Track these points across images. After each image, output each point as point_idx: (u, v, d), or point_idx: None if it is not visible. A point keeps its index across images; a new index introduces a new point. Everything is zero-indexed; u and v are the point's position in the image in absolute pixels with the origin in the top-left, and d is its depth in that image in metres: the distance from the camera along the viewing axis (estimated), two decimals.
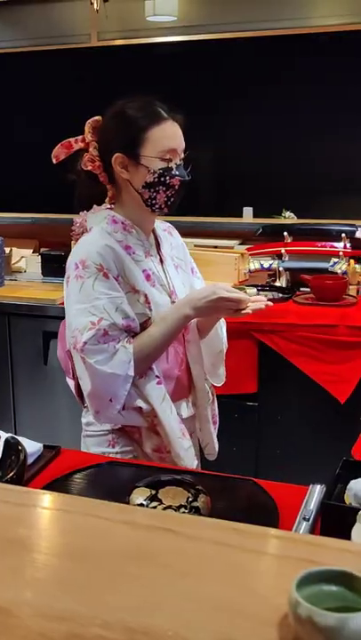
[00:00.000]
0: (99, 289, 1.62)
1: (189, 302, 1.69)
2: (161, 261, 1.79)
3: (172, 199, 1.69)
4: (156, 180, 1.66)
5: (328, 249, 3.15)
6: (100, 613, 0.68)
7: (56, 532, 0.89)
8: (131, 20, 3.58)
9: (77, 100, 3.80)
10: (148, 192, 1.67)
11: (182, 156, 1.70)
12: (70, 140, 1.75)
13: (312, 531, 1.29)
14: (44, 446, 1.60)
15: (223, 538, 0.81)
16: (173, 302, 1.74)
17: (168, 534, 0.82)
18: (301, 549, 0.77)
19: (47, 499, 0.97)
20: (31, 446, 1.54)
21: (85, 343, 1.59)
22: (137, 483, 1.32)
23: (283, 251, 3.18)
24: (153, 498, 1.25)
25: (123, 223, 1.71)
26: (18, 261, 3.74)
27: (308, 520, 1.32)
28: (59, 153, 1.75)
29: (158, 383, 1.70)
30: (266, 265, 3.16)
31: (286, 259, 3.16)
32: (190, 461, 1.74)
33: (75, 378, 1.81)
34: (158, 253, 1.79)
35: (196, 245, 3.51)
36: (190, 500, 1.26)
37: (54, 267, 3.44)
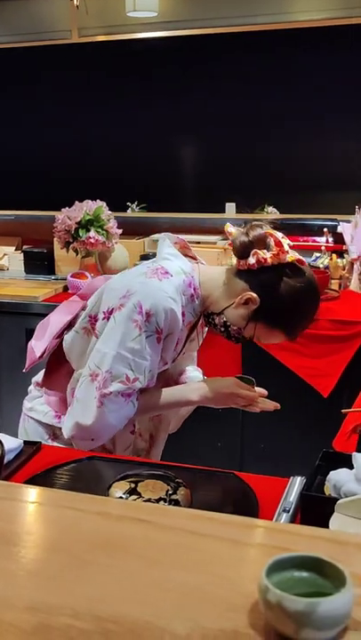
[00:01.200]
0: (148, 349, 1.58)
1: (203, 392, 1.68)
2: (188, 335, 1.75)
3: (231, 339, 1.67)
4: (231, 333, 1.64)
5: (310, 244, 3.16)
6: (71, 603, 0.68)
7: (29, 524, 0.88)
8: (111, 15, 3.57)
9: (59, 96, 3.79)
10: (219, 323, 1.64)
11: None
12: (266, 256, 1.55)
13: (292, 522, 1.29)
14: (25, 442, 1.59)
15: (196, 527, 0.80)
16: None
17: (141, 524, 0.82)
18: (274, 537, 0.77)
19: (21, 492, 0.96)
20: (11, 442, 1.53)
21: (111, 393, 1.56)
22: (116, 476, 1.31)
23: None
24: (132, 491, 1.25)
25: (194, 291, 1.64)
26: (0, 259, 3.72)
27: (289, 511, 1.32)
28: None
29: (132, 433, 1.73)
30: None
31: None
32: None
33: (40, 357, 1.77)
34: (194, 327, 1.75)
35: None
36: (170, 492, 1.26)
37: (37, 264, 3.42)
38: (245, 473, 1.51)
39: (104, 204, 3.28)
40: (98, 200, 3.29)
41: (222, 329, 1.65)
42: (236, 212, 3.64)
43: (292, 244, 1.57)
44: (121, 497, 1.24)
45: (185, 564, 0.73)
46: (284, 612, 0.58)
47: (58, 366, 1.78)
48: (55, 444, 1.74)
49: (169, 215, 3.74)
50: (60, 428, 1.70)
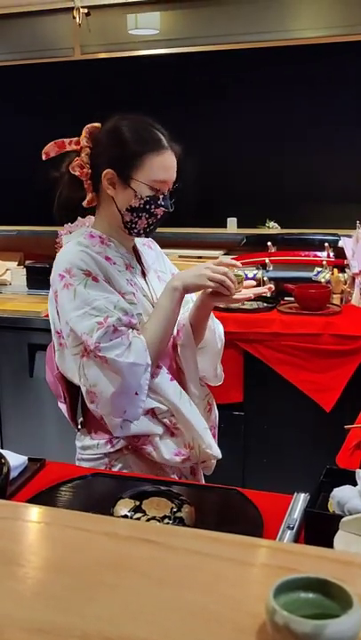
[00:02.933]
0: (92, 292, 1.60)
1: (177, 276, 1.71)
2: (143, 274, 1.79)
3: (151, 226, 1.71)
4: (141, 206, 1.66)
5: (312, 258, 3.18)
6: (79, 624, 0.68)
7: (36, 544, 0.88)
8: (113, 33, 3.60)
9: (61, 113, 3.82)
10: (130, 215, 1.67)
11: (171, 187, 1.69)
12: (65, 140, 1.73)
13: (296, 539, 1.29)
14: (29, 459, 1.59)
15: (202, 547, 0.81)
16: None
17: (148, 545, 0.83)
18: (280, 557, 0.77)
19: (27, 511, 0.96)
20: (15, 459, 1.53)
21: (99, 343, 1.57)
22: (121, 494, 1.32)
23: (267, 260, 3.19)
24: (137, 509, 1.25)
25: (100, 237, 1.71)
26: (3, 274, 3.74)
27: (293, 528, 1.32)
28: (50, 150, 1.73)
29: (171, 380, 1.70)
30: (250, 275, 3.17)
31: (270, 268, 3.18)
32: (217, 450, 1.75)
33: (67, 401, 1.79)
34: (140, 265, 1.79)
35: (180, 256, 3.53)
36: (174, 510, 1.26)
37: (39, 279, 3.44)
38: (248, 489, 1.51)
39: None
40: None
41: (137, 215, 1.67)
42: (238, 228, 3.66)
43: None
44: (126, 515, 1.24)
45: (192, 585, 0.74)
46: (291, 634, 0.59)
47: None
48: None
49: (171, 230, 3.75)
50: (114, 452, 1.70)
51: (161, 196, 1.67)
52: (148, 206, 1.66)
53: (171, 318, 1.69)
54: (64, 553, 0.85)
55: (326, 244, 3.16)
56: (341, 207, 3.55)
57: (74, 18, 3.49)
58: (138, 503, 1.27)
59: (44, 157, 1.74)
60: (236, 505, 1.43)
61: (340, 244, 3.10)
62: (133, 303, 1.68)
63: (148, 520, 1.22)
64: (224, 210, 3.73)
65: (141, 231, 1.70)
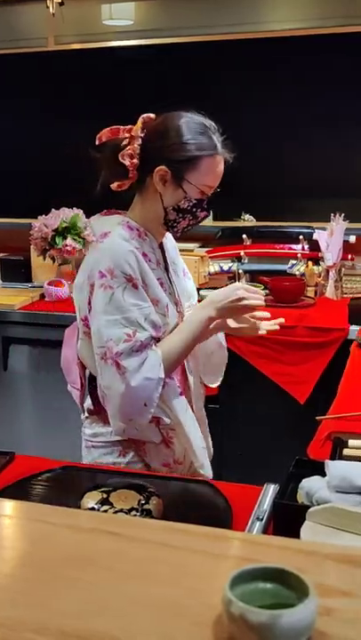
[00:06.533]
0: (129, 300, 1.59)
1: (211, 304, 1.70)
2: (166, 269, 1.78)
3: (190, 227, 1.72)
4: (189, 208, 1.66)
5: (286, 251, 3.18)
6: (38, 618, 0.67)
7: None
8: (87, 23, 3.57)
9: (36, 104, 3.78)
10: (175, 215, 1.68)
11: (214, 192, 1.70)
12: (120, 127, 1.68)
13: (265, 530, 1.30)
14: None
15: (166, 539, 0.80)
16: (179, 311, 1.76)
17: (111, 537, 0.82)
18: (244, 548, 0.77)
19: None
20: None
21: (121, 353, 1.58)
22: (88, 486, 1.31)
23: (242, 253, 3.19)
24: (104, 502, 1.25)
25: (138, 230, 1.69)
26: None
27: (262, 520, 1.33)
28: (103, 135, 1.70)
29: (180, 394, 1.72)
30: (225, 267, 3.18)
31: (245, 261, 3.18)
32: (210, 471, 1.78)
33: (82, 387, 1.78)
34: (164, 261, 1.78)
35: None
36: (142, 502, 1.26)
37: (14, 272, 3.40)
38: (220, 481, 1.52)
39: (81, 212, 3.27)
40: (75, 208, 3.29)
41: (182, 215, 1.67)
42: (214, 220, 3.65)
43: None
44: (93, 507, 1.24)
45: (154, 577, 0.73)
46: (246, 624, 0.59)
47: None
48: (127, 459, 1.73)
49: None
50: (127, 441, 1.71)
51: (205, 200, 1.68)
52: (194, 209, 1.67)
53: (194, 342, 1.71)
54: (26, 546, 0.84)
55: (301, 237, 3.17)
56: (316, 200, 3.56)
57: (47, 7, 3.44)
58: (105, 496, 1.26)
59: (97, 142, 1.72)
60: (205, 497, 1.43)
61: (315, 236, 3.11)
62: (164, 315, 1.68)
63: (115, 513, 1.21)
64: None
65: (180, 231, 1.72)
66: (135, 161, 1.66)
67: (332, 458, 1.54)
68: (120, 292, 1.58)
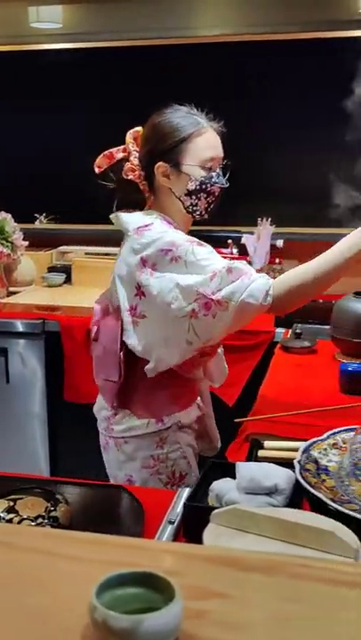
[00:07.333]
0: (201, 255, 1.64)
1: (347, 242, 1.66)
2: None
3: (211, 205, 1.77)
4: (198, 187, 1.72)
5: None
6: None
7: None
8: (14, 25, 3.52)
9: None
10: (190, 199, 1.73)
11: (222, 164, 1.76)
12: (112, 150, 1.79)
13: (177, 533, 1.30)
14: None
15: (49, 547, 0.79)
16: None
17: None
18: (121, 553, 0.77)
19: None
20: None
21: (219, 290, 1.60)
22: None
23: None
24: (10, 510, 1.23)
25: (171, 224, 1.74)
26: None
27: (173, 523, 1.33)
28: (101, 163, 1.79)
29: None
30: None
31: None
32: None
33: (120, 378, 1.78)
34: None
35: (86, 253, 3.50)
36: (50, 509, 1.24)
37: None
38: (136, 486, 1.51)
39: (9, 216, 3.23)
40: (2, 212, 3.24)
41: (196, 197, 1.72)
42: None
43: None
44: None
45: (31, 586, 0.72)
46: (109, 630, 0.58)
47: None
48: (165, 449, 1.81)
49: (79, 227, 3.71)
50: (166, 429, 1.80)
51: (214, 174, 1.73)
52: (204, 186, 1.72)
53: (335, 269, 1.65)
54: None
55: (229, 241, 3.20)
56: (243, 204, 3.59)
57: None
58: (12, 504, 1.24)
59: (97, 171, 1.79)
60: (118, 502, 1.43)
61: (243, 240, 3.14)
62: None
63: (21, 521, 1.19)
64: (131, 206, 3.71)
65: (203, 212, 1.77)
66: (138, 172, 1.76)
67: (248, 459, 1.56)
68: (191, 256, 1.63)
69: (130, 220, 1.74)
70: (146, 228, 1.68)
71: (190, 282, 1.62)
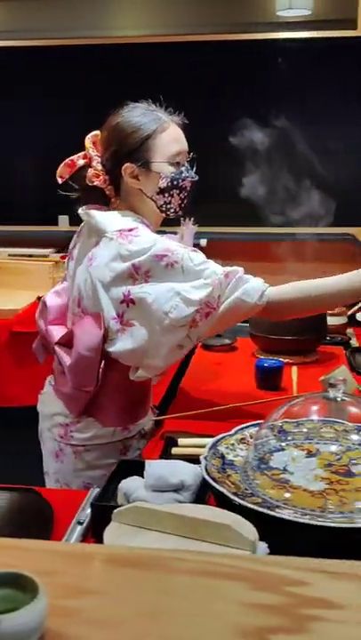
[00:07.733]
0: (199, 260, 1.62)
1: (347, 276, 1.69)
2: None
3: (185, 201, 1.73)
4: (170, 184, 1.68)
5: None
6: None
7: None
8: None
9: None
10: (163, 197, 1.70)
11: (188, 157, 1.73)
12: (72, 157, 1.73)
13: (86, 533, 1.29)
14: None
15: None
16: None
17: None
18: (5, 554, 0.76)
19: None
20: None
21: (220, 299, 1.62)
22: None
23: None
24: None
25: (149, 227, 1.71)
26: None
27: (82, 523, 1.32)
28: (63, 172, 1.72)
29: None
30: None
31: None
32: None
33: (95, 387, 1.70)
34: None
35: (10, 255, 3.45)
36: None
37: None
38: (48, 488, 1.49)
39: None
40: None
41: (169, 194, 1.69)
42: (70, 225, 3.63)
43: None
44: None
45: None
46: None
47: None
48: (129, 455, 1.77)
49: (2, 228, 3.66)
50: (130, 438, 1.78)
51: (183, 169, 1.71)
52: (175, 182, 1.69)
53: (332, 299, 1.73)
54: None
55: None
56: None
57: None
58: None
59: (60, 181, 1.71)
60: (28, 505, 1.41)
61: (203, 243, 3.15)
62: None
63: None
64: (56, 208, 3.68)
65: (177, 209, 1.74)
66: (103, 177, 1.70)
67: (162, 457, 1.56)
68: (188, 261, 1.60)
69: (106, 220, 1.67)
70: (131, 232, 1.62)
71: (195, 296, 1.59)
